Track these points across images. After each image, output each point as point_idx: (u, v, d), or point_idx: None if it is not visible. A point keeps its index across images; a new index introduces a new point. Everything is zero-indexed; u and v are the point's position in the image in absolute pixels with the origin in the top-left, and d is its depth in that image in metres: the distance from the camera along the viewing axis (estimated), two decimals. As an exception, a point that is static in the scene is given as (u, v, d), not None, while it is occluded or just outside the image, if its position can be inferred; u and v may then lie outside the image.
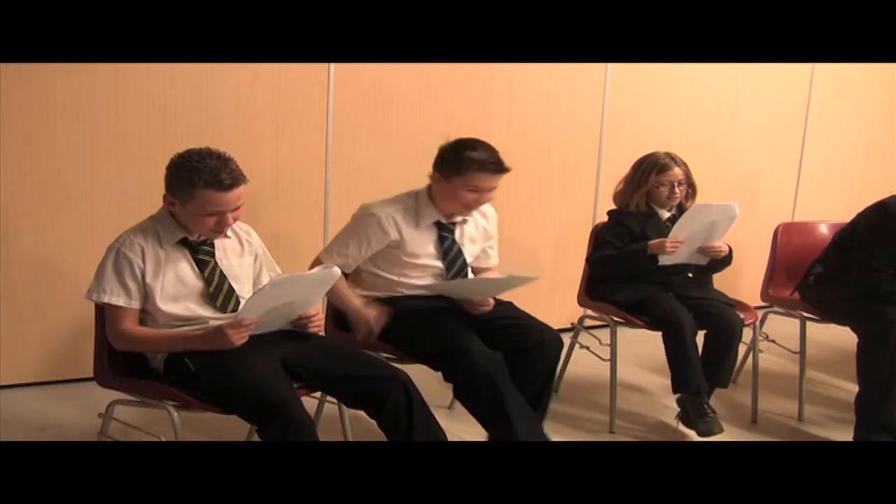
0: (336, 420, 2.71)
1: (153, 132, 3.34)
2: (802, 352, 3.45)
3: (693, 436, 3.03)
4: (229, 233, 2.42)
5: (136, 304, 2.28)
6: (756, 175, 4.89)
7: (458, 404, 2.71)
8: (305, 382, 2.35)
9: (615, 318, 3.22)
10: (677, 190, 3.17)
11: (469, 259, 2.82)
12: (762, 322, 3.49)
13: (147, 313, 2.31)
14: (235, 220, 2.33)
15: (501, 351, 2.60)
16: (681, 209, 3.22)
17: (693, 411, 3.01)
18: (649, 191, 3.18)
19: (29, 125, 3.16)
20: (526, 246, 2.88)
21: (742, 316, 3.14)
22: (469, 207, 2.71)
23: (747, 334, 3.25)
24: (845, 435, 3.14)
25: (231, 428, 2.49)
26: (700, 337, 3.10)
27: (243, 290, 2.41)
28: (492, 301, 2.72)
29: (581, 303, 3.41)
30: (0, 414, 3.08)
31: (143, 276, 2.27)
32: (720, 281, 3.44)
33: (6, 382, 3.33)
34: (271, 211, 3.59)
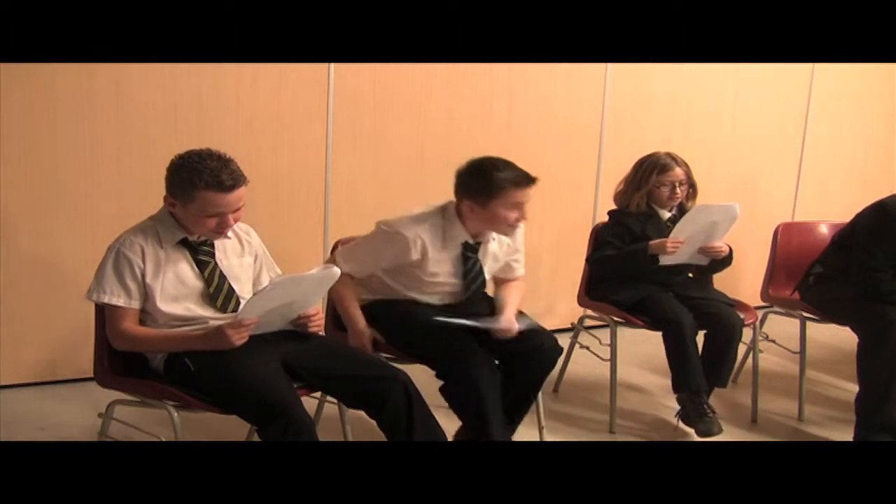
0: (336, 420, 2.71)
1: (153, 132, 3.34)
2: (802, 352, 3.45)
3: (693, 435, 3.03)
4: (229, 233, 2.42)
5: (136, 305, 2.28)
6: (756, 175, 4.89)
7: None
8: (305, 382, 2.35)
9: (615, 318, 3.22)
10: (678, 190, 3.17)
11: (487, 275, 2.78)
12: (762, 322, 3.49)
13: (147, 313, 2.31)
14: (236, 220, 2.33)
15: (499, 353, 2.60)
16: (681, 209, 3.22)
17: (693, 411, 3.01)
18: (650, 191, 3.18)
19: (29, 125, 3.16)
20: (526, 246, 2.87)
21: (742, 316, 3.14)
22: (514, 226, 2.66)
23: (747, 334, 3.25)
24: (845, 435, 3.14)
25: (231, 428, 2.50)
26: (700, 337, 3.10)
27: (243, 290, 2.41)
28: (514, 328, 2.64)
29: (581, 303, 3.42)
30: (0, 414, 3.08)
31: (143, 276, 2.27)
32: (720, 281, 3.44)
33: (6, 382, 3.33)
34: (271, 211, 3.59)
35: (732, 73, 4.62)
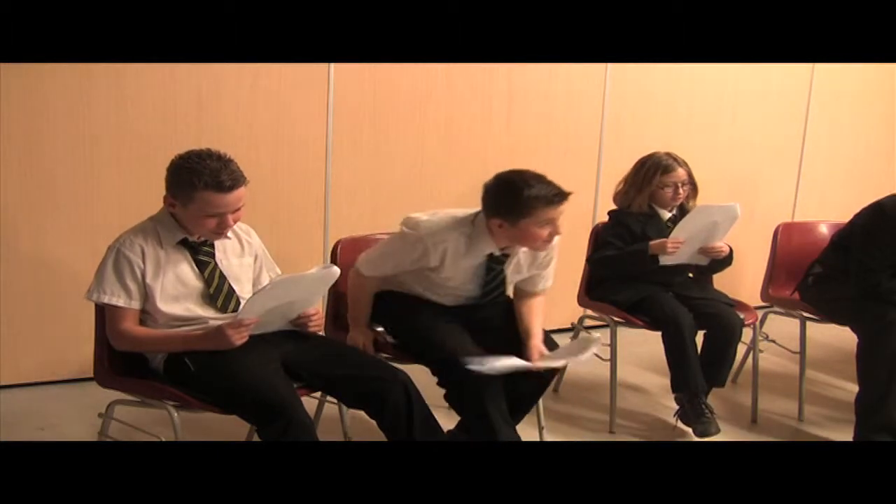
0: (336, 420, 2.71)
1: (153, 132, 3.34)
2: (802, 352, 3.45)
3: (692, 434, 3.03)
4: (229, 233, 2.42)
5: (136, 305, 2.28)
6: (756, 175, 4.89)
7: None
8: (305, 382, 2.34)
9: (615, 318, 3.22)
10: (681, 190, 3.17)
11: (509, 285, 2.72)
12: (762, 322, 3.49)
13: (147, 313, 2.31)
14: (236, 221, 2.33)
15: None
16: (682, 209, 3.22)
17: (691, 411, 3.01)
18: (653, 192, 3.18)
19: (28, 125, 3.16)
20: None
21: (742, 316, 3.14)
22: (548, 241, 2.55)
23: (747, 334, 3.25)
24: (845, 435, 3.14)
25: (231, 428, 2.50)
26: (700, 337, 3.10)
27: (243, 290, 2.41)
28: (540, 351, 2.61)
29: (581, 303, 3.41)
30: (0, 414, 3.08)
31: (144, 276, 2.27)
32: (720, 281, 3.44)
33: (6, 382, 3.33)
34: (271, 211, 3.59)
35: (732, 73, 4.62)
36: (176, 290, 2.30)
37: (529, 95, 4.09)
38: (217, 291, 2.35)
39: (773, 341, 3.59)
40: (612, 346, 3.20)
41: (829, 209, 4.83)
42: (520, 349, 2.57)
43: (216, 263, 2.38)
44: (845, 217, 3.37)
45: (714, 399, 3.09)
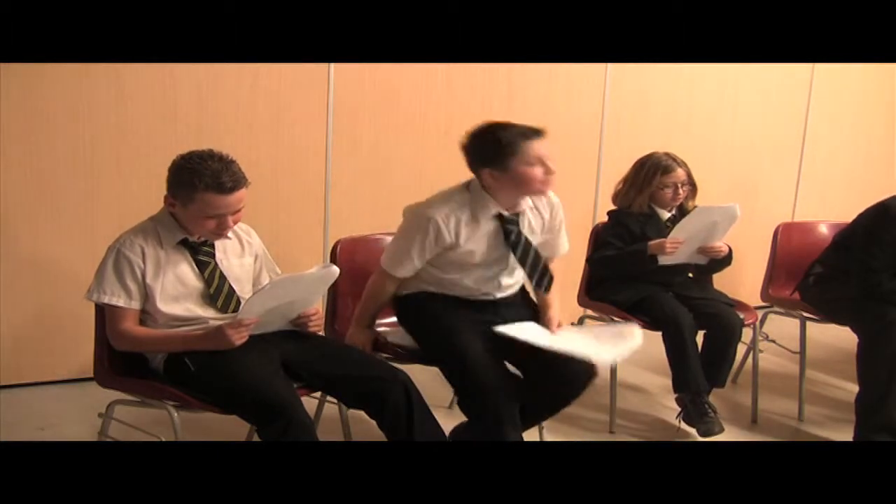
0: (336, 420, 2.71)
1: (153, 132, 3.34)
2: (802, 352, 3.45)
3: (695, 435, 3.03)
4: (230, 234, 2.42)
5: (136, 305, 2.28)
6: (756, 175, 4.89)
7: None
8: (305, 382, 2.34)
9: (615, 319, 3.22)
10: (681, 191, 3.17)
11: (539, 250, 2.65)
12: (762, 322, 3.49)
13: (147, 314, 2.31)
14: (236, 222, 2.33)
15: (529, 367, 2.56)
16: (681, 209, 3.22)
17: (693, 411, 3.01)
18: (653, 192, 3.18)
19: (29, 125, 3.16)
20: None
21: (742, 316, 3.14)
22: (546, 181, 2.50)
23: (747, 334, 3.25)
24: (845, 435, 3.14)
25: (231, 428, 2.49)
26: (699, 337, 3.10)
27: (243, 290, 2.41)
28: (555, 323, 2.60)
29: (581, 303, 3.41)
30: (0, 414, 3.08)
31: (144, 276, 2.27)
32: (720, 281, 3.44)
33: (6, 382, 3.33)
34: (271, 211, 3.59)
35: (732, 73, 4.62)
36: (176, 291, 2.30)
37: (529, 95, 4.09)
38: (217, 291, 2.35)
39: (773, 341, 3.59)
40: (612, 346, 3.20)
41: (829, 209, 4.83)
42: (550, 365, 2.51)
43: (216, 263, 2.38)
44: (845, 217, 3.37)
45: (714, 399, 3.09)
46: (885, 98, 5.20)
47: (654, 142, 3.57)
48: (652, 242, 3.07)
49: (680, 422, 3.08)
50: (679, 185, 3.16)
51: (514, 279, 2.70)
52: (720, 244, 3.13)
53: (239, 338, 2.19)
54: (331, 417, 2.73)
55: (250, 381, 2.15)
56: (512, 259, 2.61)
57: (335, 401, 2.53)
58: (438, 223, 2.51)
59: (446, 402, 3.18)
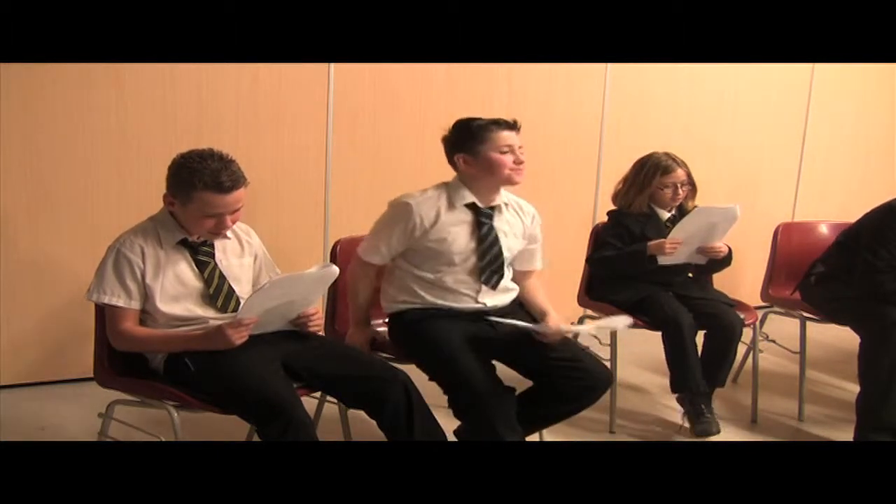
0: (336, 420, 2.71)
1: (153, 132, 3.34)
2: (802, 352, 3.45)
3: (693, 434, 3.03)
4: (229, 233, 2.42)
5: (136, 305, 2.28)
6: (756, 175, 4.89)
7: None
8: (305, 382, 2.34)
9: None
10: (681, 191, 3.17)
11: (506, 252, 2.65)
12: (762, 322, 3.49)
13: (147, 314, 2.31)
14: (234, 222, 2.33)
15: (537, 379, 2.56)
16: (681, 209, 3.22)
17: (691, 411, 3.02)
18: (652, 192, 3.18)
19: (29, 125, 3.16)
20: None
21: (742, 316, 3.14)
22: (516, 170, 2.58)
23: (747, 334, 3.25)
24: (845, 435, 3.14)
25: (231, 428, 2.50)
26: (699, 337, 3.10)
27: (243, 290, 2.41)
28: (561, 331, 2.57)
29: (581, 303, 3.41)
30: (0, 414, 3.08)
31: (143, 276, 2.27)
32: (720, 281, 3.44)
33: (6, 382, 3.33)
34: (271, 211, 3.59)
35: (732, 73, 4.62)
36: (176, 290, 2.30)
37: (529, 95, 4.09)
38: (217, 291, 2.35)
39: (773, 341, 3.59)
40: (612, 346, 3.20)
41: (829, 209, 4.84)
42: (564, 376, 2.53)
43: (216, 263, 2.38)
44: (845, 217, 3.37)
45: (714, 399, 3.09)
46: (885, 98, 5.20)
47: (654, 142, 3.57)
48: (651, 243, 3.07)
49: (684, 420, 3.08)
50: (679, 186, 3.16)
51: (502, 283, 2.68)
52: (720, 244, 3.13)
53: (239, 337, 2.19)
54: (331, 417, 2.73)
55: (250, 381, 2.15)
56: (492, 256, 2.63)
57: (335, 401, 2.52)
58: (412, 206, 2.57)
59: (446, 402, 3.18)
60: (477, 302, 2.63)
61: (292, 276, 2.27)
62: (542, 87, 4.11)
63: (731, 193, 4.54)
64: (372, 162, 3.79)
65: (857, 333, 3.07)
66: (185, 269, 2.33)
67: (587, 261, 3.37)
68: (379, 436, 2.37)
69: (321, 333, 2.50)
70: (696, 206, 3.20)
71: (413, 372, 2.43)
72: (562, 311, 2.72)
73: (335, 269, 2.31)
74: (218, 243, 2.40)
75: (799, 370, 3.44)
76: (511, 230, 2.69)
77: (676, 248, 3.04)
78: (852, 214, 3.31)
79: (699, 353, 3.06)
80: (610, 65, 4.25)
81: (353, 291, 2.70)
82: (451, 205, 2.60)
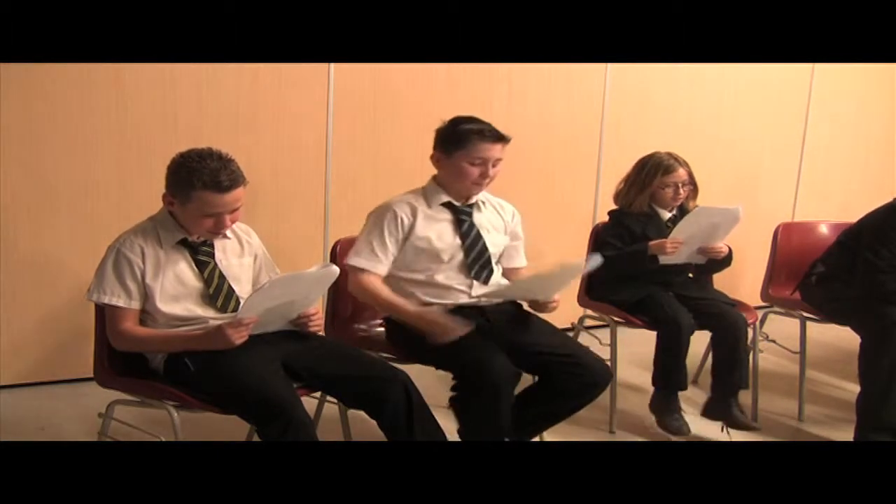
0: (336, 420, 2.71)
1: (153, 132, 3.34)
2: (802, 352, 3.45)
3: (693, 436, 3.03)
4: (229, 233, 2.42)
5: (136, 305, 2.28)
6: (756, 175, 4.89)
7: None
8: (305, 382, 2.34)
9: (615, 318, 3.22)
10: (682, 191, 3.17)
11: (491, 248, 2.69)
12: (762, 322, 3.49)
13: (147, 313, 2.31)
14: (233, 221, 2.33)
15: (539, 376, 2.58)
16: (682, 209, 3.22)
17: (665, 408, 3.07)
18: (653, 192, 3.18)
19: (29, 125, 3.16)
20: (526, 246, 2.87)
21: (744, 315, 3.14)
22: (477, 184, 2.61)
23: (747, 334, 3.25)
24: (845, 435, 3.14)
25: (231, 428, 2.49)
26: (699, 336, 3.10)
27: (243, 290, 2.41)
28: (558, 298, 2.61)
29: (581, 303, 3.41)
30: (0, 414, 3.08)
31: (143, 276, 2.27)
32: (720, 281, 3.44)
33: (6, 382, 3.33)
34: (271, 211, 3.59)
35: (732, 73, 4.62)
36: (175, 290, 2.30)
37: (529, 95, 4.09)
38: (217, 291, 2.35)
39: (774, 341, 3.59)
40: (613, 346, 3.20)
41: (829, 209, 4.84)
42: (563, 371, 2.54)
43: (216, 263, 2.38)
44: (845, 217, 3.37)
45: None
46: (885, 98, 5.20)
47: (654, 142, 3.57)
48: (652, 242, 3.07)
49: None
50: (680, 185, 3.16)
51: (493, 279, 2.69)
52: (720, 245, 3.13)
53: (239, 337, 2.19)
54: (331, 417, 2.73)
55: (250, 381, 2.15)
56: (477, 251, 2.65)
57: (335, 401, 2.52)
58: (394, 209, 2.61)
59: (446, 402, 3.17)
60: (471, 297, 2.63)
61: (292, 276, 2.26)
62: (542, 87, 4.11)
63: (731, 193, 4.54)
64: (372, 162, 3.79)
65: (857, 333, 3.07)
66: (184, 269, 2.33)
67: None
68: (379, 436, 2.37)
69: (321, 333, 2.50)
70: (696, 207, 3.20)
71: (413, 372, 2.43)
72: (562, 311, 2.72)
73: (335, 269, 2.31)
74: (218, 243, 2.40)
75: (799, 370, 3.44)
76: (492, 226, 2.73)
77: (677, 247, 3.04)
78: (852, 214, 3.31)
79: (712, 364, 3.09)
80: (610, 65, 4.25)
81: (381, 302, 2.58)
82: (428, 205, 2.65)
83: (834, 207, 4.91)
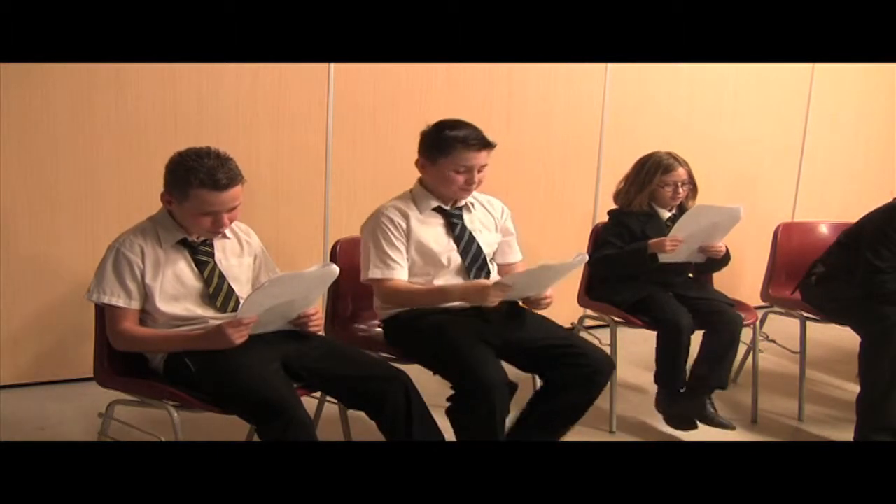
0: (336, 420, 2.71)
1: (153, 132, 3.34)
2: (802, 352, 3.45)
3: (692, 436, 3.03)
4: (229, 234, 2.42)
5: (135, 305, 2.28)
6: (756, 175, 4.89)
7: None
8: (305, 382, 2.34)
9: (615, 319, 3.22)
10: (681, 190, 3.18)
11: (485, 248, 2.69)
12: (762, 322, 3.49)
13: (147, 313, 2.31)
14: (232, 220, 2.33)
15: (542, 373, 2.58)
16: (682, 209, 3.22)
17: (667, 403, 3.09)
18: (653, 191, 3.18)
19: (29, 125, 3.16)
20: (526, 246, 2.87)
21: (742, 316, 3.14)
22: (464, 190, 2.61)
23: (747, 334, 3.25)
24: (845, 435, 3.14)
25: (231, 428, 2.49)
26: (699, 336, 3.10)
27: (242, 290, 2.41)
28: (551, 294, 2.60)
29: (581, 303, 3.41)
30: (0, 414, 3.08)
31: (143, 276, 2.27)
32: (720, 281, 3.44)
33: (6, 382, 3.33)
34: (270, 211, 3.59)
35: (732, 73, 4.62)
36: (175, 290, 2.30)
37: (529, 95, 4.09)
38: (216, 291, 2.35)
39: (774, 341, 3.59)
40: (613, 346, 3.20)
41: (829, 209, 4.84)
42: (562, 362, 2.54)
43: (215, 263, 2.38)
44: (845, 217, 3.37)
45: (714, 399, 3.09)
46: (885, 98, 5.20)
47: (654, 142, 3.57)
48: (652, 241, 3.06)
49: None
50: (679, 185, 3.16)
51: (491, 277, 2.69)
52: (719, 244, 3.13)
53: (239, 336, 2.19)
54: (331, 417, 2.73)
55: (250, 381, 2.15)
56: (473, 254, 2.65)
57: (335, 401, 2.52)
58: (387, 214, 2.61)
59: (446, 403, 3.18)
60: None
61: (292, 275, 2.26)
62: (542, 87, 4.11)
63: (731, 193, 4.54)
64: (372, 162, 3.79)
65: (857, 333, 3.07)
66: (184, 269, 2.33)
67: (588, 260, 3.37)
68: (379, 436, 2.37)
69: (321, 333, 2.50)
70: (696, 205, 3.20)
71: (413, 372, 2.43)
72: (562, 311, 2.73)
73: (335, 269, 2.30)
74: (217, 243, 2.40)
75: (799, 370, 3.44)
76: (484, 226, 2.74)
77: (677, 245, 3.04)
78: (852, 214, 3.31)
79: (699, 355, 3.06)
80: (610, 65, 4.25)
81: (418, 298, 2.59)
82: (419, 210, 2.65)
83: (834, 207, 4.92)
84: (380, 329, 2.77)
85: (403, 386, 2.32)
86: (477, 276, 2.65)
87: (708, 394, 3.04)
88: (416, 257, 2.62)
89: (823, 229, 3.73)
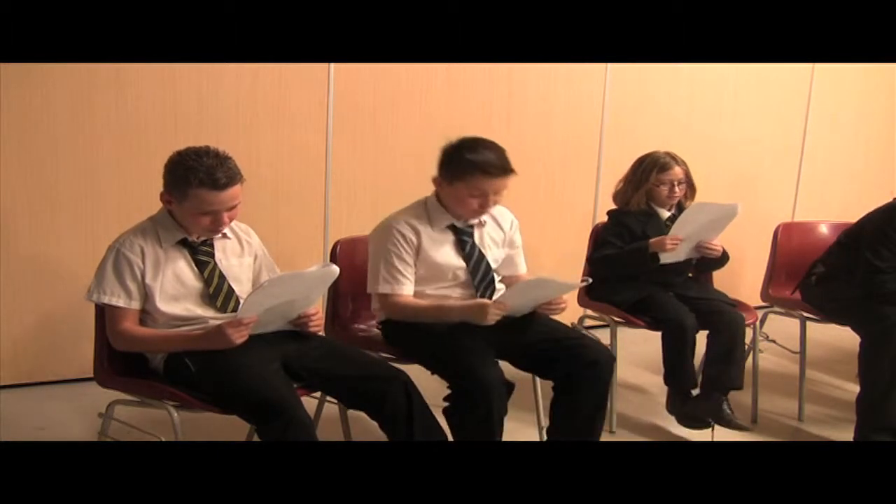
0: (336, 420, 2.71)
1: (153, 132, 3.34)
2: (802, 352, 3.45)
3: (692, 436, 3.03)
4: (229, 233, 2.42)
5: (136, 305, 2.28)
6: (756, 175, 4.89)
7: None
8: (305, 382, 2.34)
9: (615, 319, 3.22)
10: (677, 189, 3.18)
11: (493, 264, 2.70)
12: (762, 322, 3.49)
13: (147, 313, 2.31)
14: (231, 219, 2.33)
15: (546, 372, 2.58)
16: (680, 208, 3.22)
17: (680, 403, 3.08)
18: (649, 189, 3.18)
19: (29, 125, 3.16)
20: (526, 246, 2.87)
21: (743, 316, 3.14)
22: (477, 213, 2.60)
23: (747, 334, 3.25)
24: (845, 435, 3.14)
25: (231, 428, 2.49)
26: (700, 337, 3.10)
27: (243, 290, 2.41)
28: (566, 300, 2.60)
29: (581, 303, 3.41)
30: (0, 414, 3.08)
31: (143, 276, 2.27)
32: (720, 281, 3.44)
33: (6, 382, 3.33)
34: (270, 211, 3.59)
35: (732, 73, 4.62)
36: (175, 290, 2.30)
37: (529, 95, 4.09)
38: (216, 291, 2.35)
39: (774, 341, 3.59)
40: (613, 346, 3.20)
41: (829, 209, 4.84)
42: (562, 355, 2.55)
43: (215, 263, 2.38)
44: (845, 217, 3.37)
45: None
46: (885, 98, 5.20)
47: (654, 142, 3.57)
48: (653, 240, 3.06)
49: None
50: (675, 184, 3.16)
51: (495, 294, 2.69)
52: (715, 243, 3.13)
53: (239, 336, 2.19)
54: (331, 417, 2.73)
55: (250, 381, 2.15)
56: (482, 272, 2.65)
57: (335, 401, 2.52)
58: (399, 229, 2.57)
59: (444, 407, 3.17)
60: None
61: (292, 275, 2.26)
62: (542, 87, 4.11)
63: (731, 193, 4.53)
64: (372, 162, 3.79)
65: (857, 333, 3.07)
66: (184, 269, 2.33)
67: (588, 261, 3.37)
68: (379, 436, 2.37)
69: (321, 333, 2.50)
70: (694, 203, 3.20)
71: (413, 372, 2.42)
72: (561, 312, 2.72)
73: (335, 269, 2.30)
74: (218, 243, 2.40)
75: (799, 370, 3.44)
76: (493, 242, 2.73)
77: (678, 244, 3.04)
78: (852, 214, 3.31)
79: (706, 360, 3.08)
80: (610, 65, 4.25)
81: (423, 313, 2.57)
82: (432, 226, 2.62)
83: (834, 207, 4.91)
84: (379, 329, 2.77)
85: (404, 385, 2.32)
86: (483, 293, 2.64)
87: (724, 395, 3.03)
88: (423, 271, 2.62)
89: (823, 229, 3.73)
